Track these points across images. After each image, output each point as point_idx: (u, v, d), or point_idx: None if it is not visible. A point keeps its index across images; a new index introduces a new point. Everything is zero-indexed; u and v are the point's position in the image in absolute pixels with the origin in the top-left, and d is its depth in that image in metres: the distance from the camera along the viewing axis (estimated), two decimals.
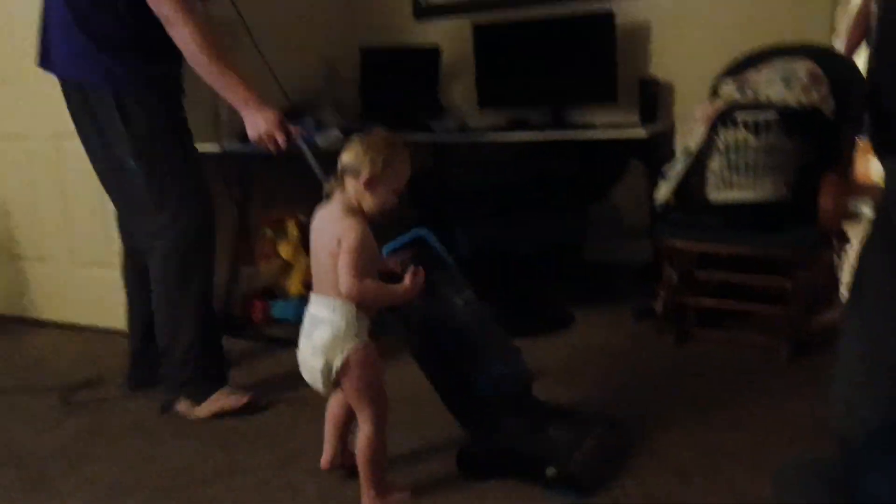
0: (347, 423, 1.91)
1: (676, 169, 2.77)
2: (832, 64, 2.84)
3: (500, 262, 3.23)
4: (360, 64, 3.70)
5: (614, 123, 3.27)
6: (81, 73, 2.25)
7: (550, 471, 1.77)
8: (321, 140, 3.01)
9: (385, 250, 1.90)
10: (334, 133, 3.08)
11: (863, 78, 2.89)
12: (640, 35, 3.41)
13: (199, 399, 2.40)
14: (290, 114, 3.24)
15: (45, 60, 2.33)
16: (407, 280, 1.76)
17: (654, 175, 2.95)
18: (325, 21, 3.85)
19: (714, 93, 3.00)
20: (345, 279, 1.66)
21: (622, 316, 3.08)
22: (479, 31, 3.61)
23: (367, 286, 1.69)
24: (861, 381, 1.15)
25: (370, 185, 1.71)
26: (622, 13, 3.36)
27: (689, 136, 2.76)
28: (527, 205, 3.07)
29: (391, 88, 3.75)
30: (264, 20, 3.37)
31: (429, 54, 3.76)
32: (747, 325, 2.80)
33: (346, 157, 1.73)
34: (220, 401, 2.40)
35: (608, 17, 3.31)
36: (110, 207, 2.50)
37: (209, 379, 2.42)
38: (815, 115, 2.66)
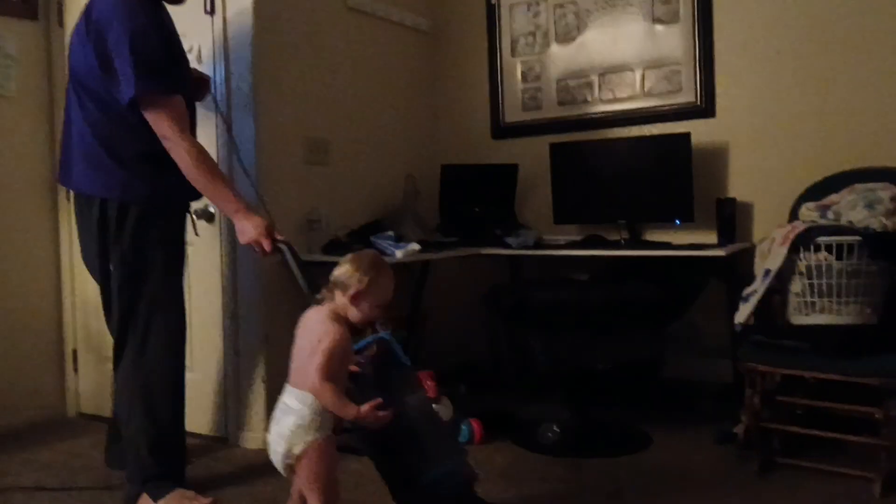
0: None
1: (756, 290, 2.74)
2: None
3: (576, 378, 3.20)
4: (439, 180, 3.83)
5: (691, 243, 3.27)
6: (95, 187, 2.42)
7: None
8: (400, 253, 3.10)
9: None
10: (412, 246, 3.17)
11: None
12: (718, 155, 3.45)
13: (156, 496, 2.42)
14: (371, 226, 3.39)
15: (65, 178, 2.54)
16: (364, 407, 1.90)
17: (733, 295, 2.92)
18: (409, 139, 4.03)
19: (794, 216, 2.99)
20: (313, 376, 1.87)
21: (702, 439, 2.98)
22: (556, 150, 3.71)
23: (328, 389, 1.87)
24: None
25: (355, 299, 1.96)
26: (700, 133, 3.41)
27: (767, 257, 2.74)
28: (604, 322, 3.06)
29: (469, 204, 3.85)
30: (353, 136, 3.58)
31: (506, 170, 3.87)
32: (837, 455, 2.67)
33: (337, 272, 2.00)
34: (177, 502, 2.42)
35: (685, 138, 3.36)
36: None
37: (167, 477, 2.47)
38: None
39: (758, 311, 2.91)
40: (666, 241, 3.38)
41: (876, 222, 2.66)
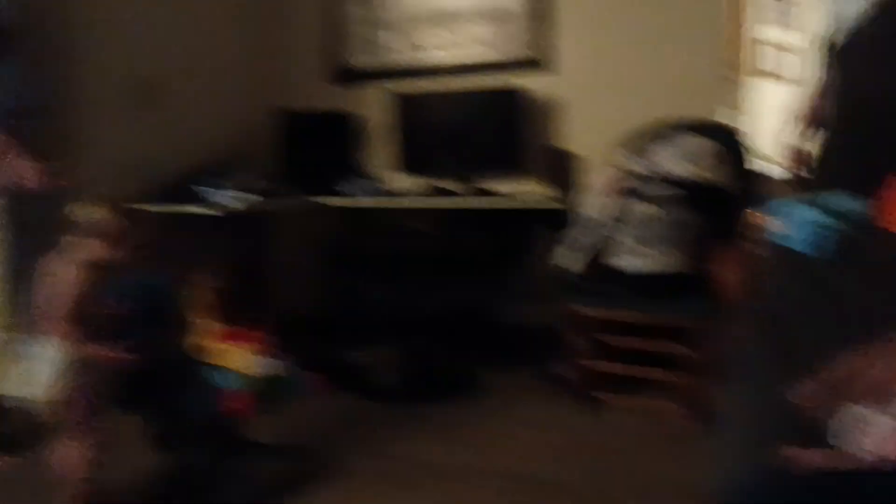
0: None
1: (586, 239, 2.84)
2: (733, 142, 2.99)
3: (411, 326, 3.21)
4: (279, 127, 3.70)
5: (526, 194, 3.34)
6: None
7: None
8: (231, 201, 2.97)
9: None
10: (244, 195, 3.05)
11: (761, 156, 3.05)
12: (554, 108, 3.52)
13: None
14: (204, 172, 3.22)
15: None
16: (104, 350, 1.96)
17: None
18: (246, 83, 3.85)
19: (617, 165, 3.11)
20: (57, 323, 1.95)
21: (534, 382, 3.09)
22: (399, 100, 3.67)
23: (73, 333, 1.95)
24: (737, 455, 1.16)
25: (104, 243, 2.00)
26: (538, 85, 3.47)
27: (593, 205, 2.85)
28: (438, 270, 3.08)
29: (310, 151, 3.76)
30: (182, 82, 3.38)
31: (344, 118, 3.81)
32: (652, 390, 2.83)
33: (82, 215, 2.01)
34: None
35: (522, 91, 3.40)
36: None
37: None
38: (720, 192, 2.78)
39: (588, 258, 3.03)
40: (504, 192, 3.43)
41: (696, 174, 2.80)
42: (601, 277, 2.89)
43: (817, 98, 2.84)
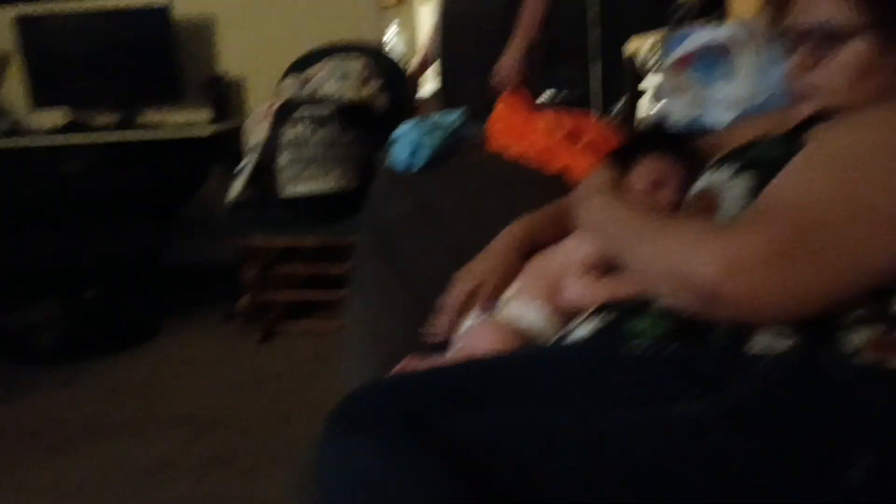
0: None
1: (246, 166, 2.76)
2: (383, 63, 3.06)
3: (68, 276, 2.94)
4: None
5: (185, 123, 3.15)
6: None
7: None
8: None
9: None
10: None
11: (405, 74, 3.17)
12: (204, 31, 3.33)
13: None
14: None
15: None
16: None
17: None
18: None
19: (278, 89, 3.04)
20: None
21: (209, 321, 2.99)
22: (22, 24, 3.22)
23: None
24: (361, 367, 1.21)
25: None
26: (182, 6, 3.23)
27: (253, 132, 2.76)
28: (90, 215, 2.82)
29: None
30: None
31: None
32: (333, 314, 2.89)
33: None
34: None
35: (164, 11, 3.15)
36: None
37: None
38: (369, 108, 2.83)
39: (253, 186, 2.96)
40: (159, 124, 3.20)
41: (348, 93, 2.83)
42: (268, 205, 2.85)
43: (440, 20, 3.04)
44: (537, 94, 2.94)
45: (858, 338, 0.79)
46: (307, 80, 2.92)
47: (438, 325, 1.11)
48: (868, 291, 0.79)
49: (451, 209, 1.23)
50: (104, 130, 3.12)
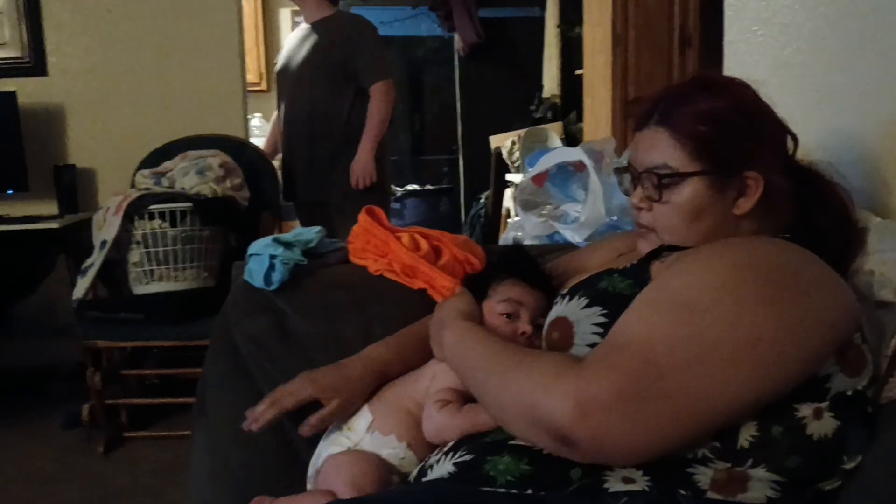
0: None
1: (94, 262, 2.61)
2: (245, 154, 3.01)
3: None
4: None
5: (30, 216, 2.95)
6: None
7: None
8: None
9: None
10: None
11: (273, 168, 3.14)
12: (53, 117, 3.17)
13: None
14: None
15: None
16: None
17: (78, 270, 2.73)
18: None
19: (132, 185, 2.92)
20: None
21: (48, 427, 2.75)
22: None
23: None
24: (209, 500, 1.13)
25: None
26: (29, 93, 3.08)
27: (103, 227, 2.62)
28: None
29: None
30: None
31: None
32: (187, 418, 2.73)
33: None
34: None
35: (10, 96, 2.99)
36: None
37: None
38: (229, 203, 2.76)
39: (103, 284, 2.80)
40: (2, 215, 2.99)
41: (206, 188, 2.75)
42: (118, 304, 2.70)
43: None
44: (403, 183, 3.00)
45: (704, 477, 0.82)
46: (162, 174, 2.82)
47: (257, 410, 1.05)
48: (715, 429, 0.82)
49: (308, 331, 1.20)
50: None
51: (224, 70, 3.24)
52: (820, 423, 0.85)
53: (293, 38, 3.14)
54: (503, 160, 4.53)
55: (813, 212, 1.01)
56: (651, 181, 0.98)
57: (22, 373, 3.14)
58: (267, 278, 1.21)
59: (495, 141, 4.76)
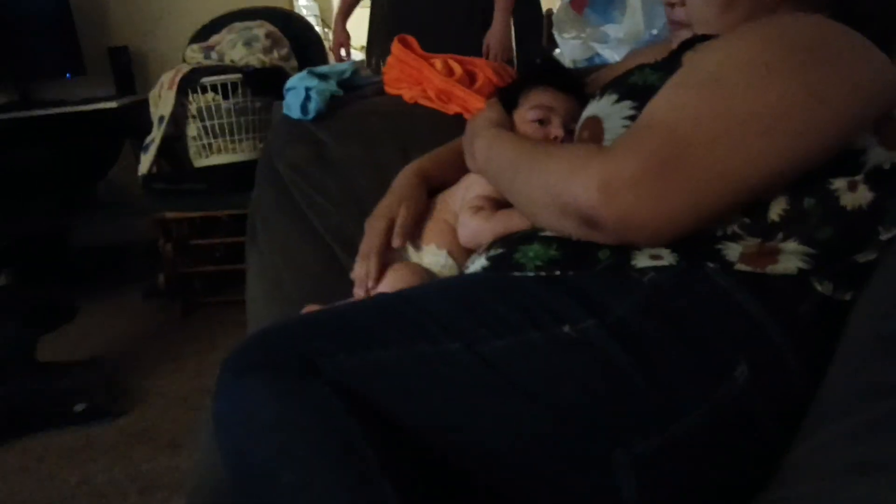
0: None
1: (154, 139, 2.68)
2: (291, 25, 3.00)
3: None
4: None
5: (87, 98, 3.03)
6: None
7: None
8: None
9: None
10: None
11: (319, 36, 3.12)
12: (102, 2, 3.20)
13: None
14: None
15: None
16: None
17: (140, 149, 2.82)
18: None
19: (183, 60, 2.95)
20: None
21: (129, 299, 2.92)
22: None
23: None
24: (265, 321, 1.19)
25: None
26: None
27: (159, 103, 2.68)
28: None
29: None
30: None
31: None
32: None
33: None
34: None
35: None
36: None
37: None
38: (278, 74, 2.77)
39: (164, 159, 2.89)
40: (60, 99, 3.08)
41: (254, 59, 2.76)
42: (181, 178, 2.79)
43: None
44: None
45: (733, 252, 0.82)
46: (211, 48, 2.84)
47: (360, 273, 1.06)
48: (744, 205, 0.82)
49: (346, 157, 1.22)
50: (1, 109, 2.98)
51: None
52: (855, 195, 0.83)
53: None
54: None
55: None
56: None
57: (103, 251, 3.30)
58: (304, 109, 1.23)
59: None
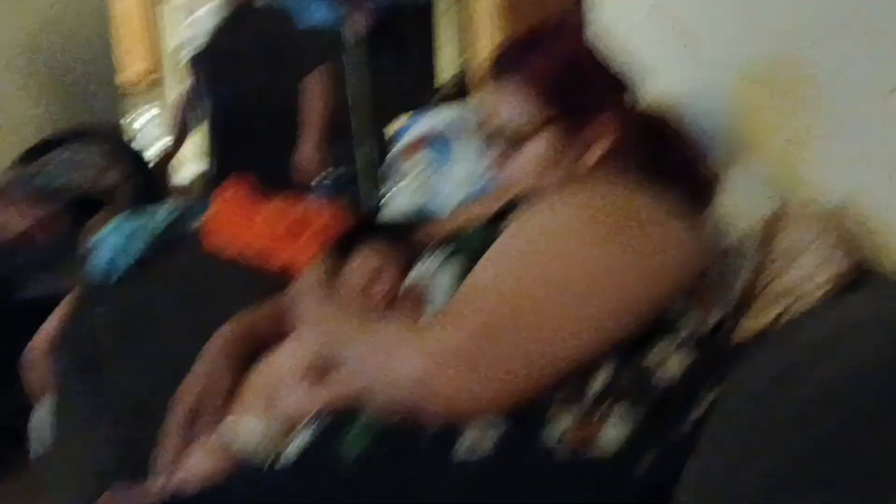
0: None
1: None
2: (125, 150, 2.88)
3: None
4: None
5: None
6: None
7: None
8: None
9: None
10: None
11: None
12: None
13: None
14: None
15: None
16: None
17: None
18: None
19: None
20: None
21: None
22: None
23: None
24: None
25: None
26: None
27: None
28: None
29: None
30: None
31: None
32: None
33: None
34: None
35: None
36: None
37: None
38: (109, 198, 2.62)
39: None
40: None
41: (85, 184, 2.61)
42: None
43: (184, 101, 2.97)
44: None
45: (560, 425, 0.80)
46: (37, 173, 2.66)
47: (164, 455, 0.97)
48: (568, 374, 0.81)
49: (157, 324, 1.12)
50: None
51: (96, 61, 3.08)
52: (670, 365, 0.85)
53: (208, 19, 2.90)
54: None
55: (664, 157, 1.01)
56: (501, 138, 0.97)
57: None
58: (110, 268, 1.13)
59: (393, 127, 4.70)
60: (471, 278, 0.86)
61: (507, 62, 0.97)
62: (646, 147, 0.99)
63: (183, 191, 3.59)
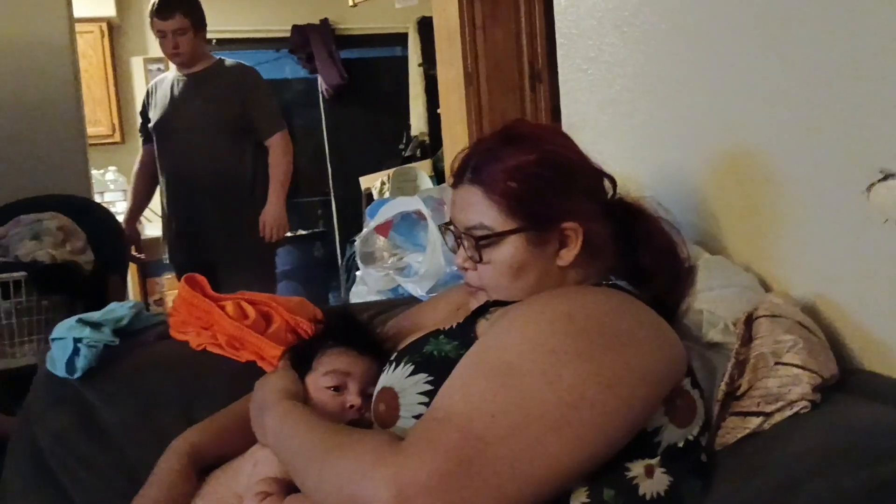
0: None
1: None
2: (89, 215, 2.81)
3: None
4: None
5: None
6: None
7: None
8: None
9: None
10: None
11: (120, 228, 2.95)
12: None
13: None
14: None
15: None
16: None
17: None
18: None
19: None
20: None
21: None
22: None
23: None
24: None
25: None
26: None
27: None
28: None
29: None
30: None
31: None
32: None
33: None
34: None
35: None
36: None
37: None
38: (70, 269, 2.56)
39: None
40: None
41: (43, 254, 2.54)
42: None
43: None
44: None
45: None
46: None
47: None
48: (545, 499, 0.77)
49: (121, 422, 1.07)
50: None
51: (63, 126, 3.03)
52: (652, 482, 0.82)
53: (167, 87, 2.93)
54: (374, 201, 4.49)
55: (638, 251, 0.99)
56: (470, 242, 0.94)
57: None
58: (70, 365, 1.08)
59: (365, 182, 4.71)
60: (441, 398, 0.81)
61: (479, 163, 0.95)
62: (622, 240, 0.97)
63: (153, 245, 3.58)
